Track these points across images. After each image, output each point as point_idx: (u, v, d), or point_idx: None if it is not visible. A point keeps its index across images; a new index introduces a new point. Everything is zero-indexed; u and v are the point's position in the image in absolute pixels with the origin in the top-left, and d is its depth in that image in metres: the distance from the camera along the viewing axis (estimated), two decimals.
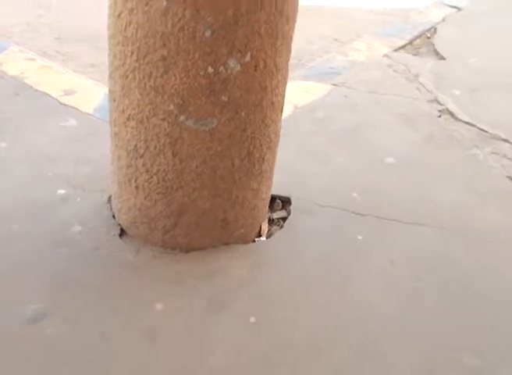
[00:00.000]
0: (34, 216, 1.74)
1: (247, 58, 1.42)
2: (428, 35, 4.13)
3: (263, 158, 1.63)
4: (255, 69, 1.45)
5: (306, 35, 3.96)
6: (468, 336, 1.52)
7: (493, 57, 3.68)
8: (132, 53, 1.42)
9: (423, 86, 3.10)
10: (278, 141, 1.69)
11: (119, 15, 1.41)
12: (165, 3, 1.33)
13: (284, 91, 1.61)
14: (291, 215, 1.89)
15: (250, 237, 1.77)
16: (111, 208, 1.79)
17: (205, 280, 1.59)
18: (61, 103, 2.41)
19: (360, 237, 1.83)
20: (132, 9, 1.37)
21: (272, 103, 1.56)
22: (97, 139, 2.17)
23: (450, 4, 5.07)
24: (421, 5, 4.98)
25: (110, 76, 1.55)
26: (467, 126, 2.71)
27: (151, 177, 1.56)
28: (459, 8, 4.91)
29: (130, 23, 1.39)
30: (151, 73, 1.42)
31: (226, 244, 1.71)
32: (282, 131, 1.71)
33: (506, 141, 2.58)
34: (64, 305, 1.46)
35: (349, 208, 1.98)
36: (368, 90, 3.02)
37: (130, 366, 1.33)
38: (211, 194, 1.58)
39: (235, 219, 1.68)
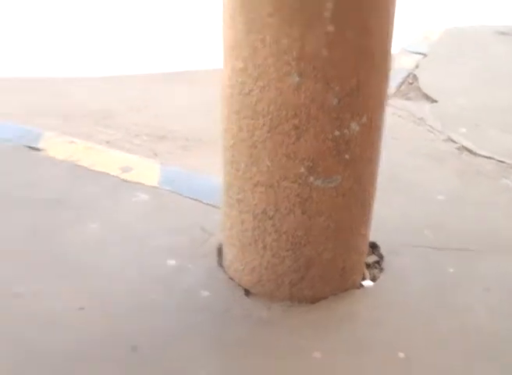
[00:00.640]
0: (160, 287, 1.81)
1: (364, 119, 1.60)
2: (410, 81, 4.47)
3: (370, 205, 1.79)
4: (370, 128, 1.63)
5: None
6: None
7: (476, 95, 4.03)
8: (263, 125, 1.57)
9: (432, 128, 3.37)
10: None
11: (249, 92, 1.56)
12: (297, 79, 1.50)
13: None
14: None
15: (358, 281, 1.90)
16: (224, 271, 1.89)
17: (339, 325, 1.70)
18: (123, 180, 2.49)
19: (451, 270, 2.00)
20: (264, 87, 1.53)
21: (376, 156, 1.74)
22: (174, 209, 2.27)
23: (414, 51, 5.50)
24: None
25: (231, 148, 1.68)
26: (486, 159, 2.98)
27: (280, 236, 1.69)
28: (424, 54, 5.34)
29: (262, 99, 1.55)
30: (282, 141, 1.57)
31: (343, 290, 1.84)
32: None
33: None
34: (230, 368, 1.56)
35: (426, 244, 2.14)
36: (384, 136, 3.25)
37: None
38: (334, 245, 1.72)
39: (351, 267, 1.81)
